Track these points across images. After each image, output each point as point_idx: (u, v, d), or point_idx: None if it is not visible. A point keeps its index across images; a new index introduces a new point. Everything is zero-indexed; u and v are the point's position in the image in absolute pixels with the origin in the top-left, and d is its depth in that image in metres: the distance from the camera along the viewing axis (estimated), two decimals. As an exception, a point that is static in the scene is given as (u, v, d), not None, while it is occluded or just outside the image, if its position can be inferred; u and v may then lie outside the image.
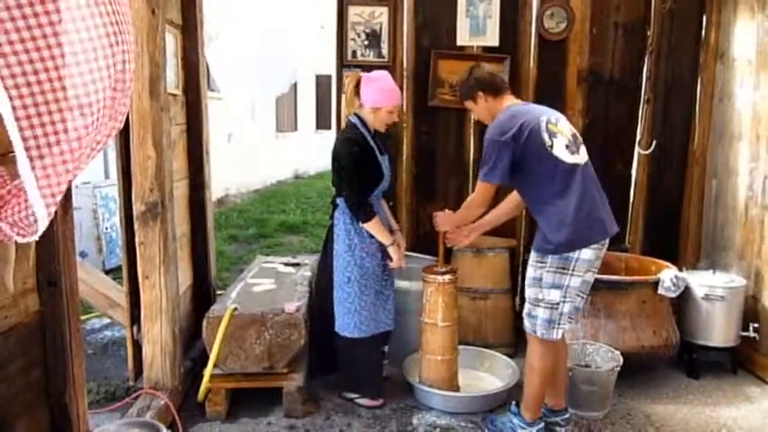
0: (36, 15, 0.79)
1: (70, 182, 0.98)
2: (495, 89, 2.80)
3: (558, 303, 2.62)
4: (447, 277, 3.11)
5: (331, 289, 3.11)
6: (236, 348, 2.97)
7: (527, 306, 2.74)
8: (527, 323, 2.74)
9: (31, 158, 0.82)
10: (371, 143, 3.02)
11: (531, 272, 2.71)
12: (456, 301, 3.19)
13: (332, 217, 3.14)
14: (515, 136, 2.58)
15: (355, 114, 3.07)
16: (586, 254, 2.58)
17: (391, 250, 3.07)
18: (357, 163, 2.95)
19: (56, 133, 0.85)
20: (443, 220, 3.02)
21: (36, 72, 0.81)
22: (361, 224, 2.98)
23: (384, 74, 3.06)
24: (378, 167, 3.03)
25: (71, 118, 0.85)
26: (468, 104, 2.88)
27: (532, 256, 2.71)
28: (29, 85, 0.80)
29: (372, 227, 2.98)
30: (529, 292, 2.72)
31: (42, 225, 0.93)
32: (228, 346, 2.96)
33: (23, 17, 0.79)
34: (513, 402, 2.94)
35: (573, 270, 2.59)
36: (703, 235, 4.15)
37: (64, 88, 0.83)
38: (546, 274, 2.63)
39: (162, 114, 2.83)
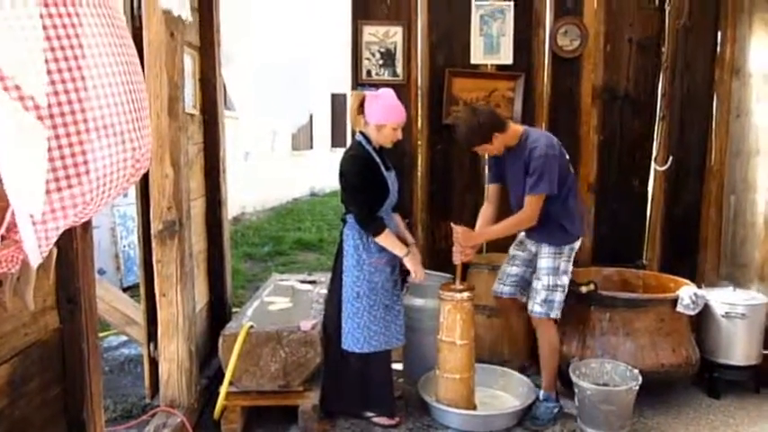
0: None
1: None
2: (503, 124, 3.08)
3: (565, 286, 3.15)
4: (465, 295, 3.09)
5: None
6: (251, 366, 2.97)
7: (544, 293, 3.11)
8: (543, 309, 3.12)
9: (48, 192, 0.80)
10: (376, 159, 3.04)
11: (549, 263, 3.12)
12: (473, 318, 3.17)
13: (341, 233, 3.15)
14: (560, 151, 3.05)
15: (360, 132, 3.10)
16: (578, 243, 3.21)
17: (407, 261, 3.05)
18: (363, 179, 2.99)
19: (75, 165, 0.84)
20: (465, 236, 3.11)
21: (69, 102, 0.81)
22: (372, 238, 2.99)
23: (388, 91, 3.07)
24: (383, 183, 3.04)
25: (91, 149, 0.85)
26: (483, 147, 3.09)
27: (549, 249, 3.13)
28: (61, 115, 0.80)
29: (384, 239, 2.98)
30: (547, 281, 3.11)
31: (35, 263, 0.91)
32: (244, 363, 2.96)
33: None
34: (540, 392, 3.24)
35: (571, 258, 3.18)
36: (722, 251, 4.10)
37: (86, 120, 0.83)
38: (562, 263, 3.12)
39: (180, 134, 2.87)
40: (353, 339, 3.05)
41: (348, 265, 3.05)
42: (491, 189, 3.37)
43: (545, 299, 3.11)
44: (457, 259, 3.17)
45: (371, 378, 3.13)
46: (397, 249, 3.03)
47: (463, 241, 3.12)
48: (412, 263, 3.07)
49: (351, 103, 3.13)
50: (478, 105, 3.32)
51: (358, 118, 3.07)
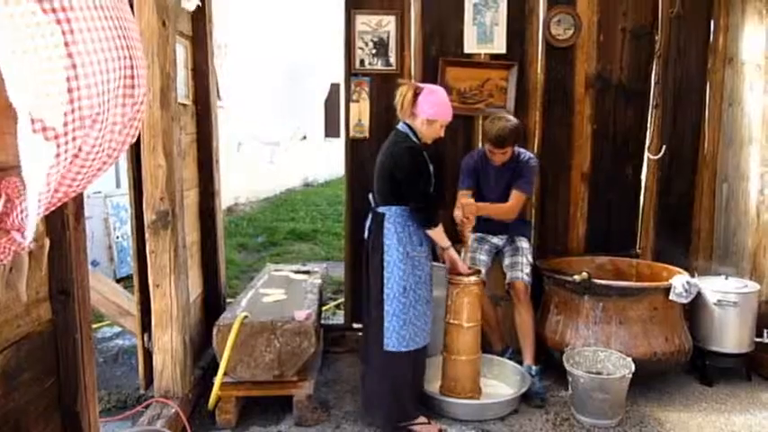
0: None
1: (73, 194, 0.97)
2: None
3: None
4: (472, 279, 3.17)
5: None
6: (246, 356, 2.97)
7: (528, 267, 3.59)
8: (529, 278, 3.55)
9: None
10: (424, 152, 3.02)
11: (527, 246, 3.68)
12: (480, 302, 3.22)
13: (370, 229, 3.05)
14: None
15: (405, 123, 3.02)
16: None
17: (450, 253, 3.12)
18: (421, 171, 2.97)
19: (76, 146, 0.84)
20: (477, 208, 3.39)
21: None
22: (428, 229, 2.99)
23: (441, 89, 3.09)
24: (430, 177, 3.03)
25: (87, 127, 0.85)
26: (508, 149, 3.47)
27: (524, 238, 3.71)
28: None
29: (436, 233, 3.03)
30: (530, 258, 3.65)
31: (31, 233, 0.92)
32: (239, 354, 2.96)
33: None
34: (530, 368, 3.44)
35: None
36: (715, 240, 4.12)
37: (80, 98, 0.82)
38: (531, 248, 3.74)
39: (172, 124, 2.86)
40: (399, 338, 2.93)
41: (393, 260, 2.93)
42: (466, 194, 3.57)
43: (529, 271, 3.57)
44: (467, 233, 3.39)
45: (415, 377, 3.07)
46: (442, 241, 3.08)
47: (475, 211, 3.36)
48: (454, 256, 3.14)
49: (404, 92, 2.98)
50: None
51: (408, 108, 2.97)
